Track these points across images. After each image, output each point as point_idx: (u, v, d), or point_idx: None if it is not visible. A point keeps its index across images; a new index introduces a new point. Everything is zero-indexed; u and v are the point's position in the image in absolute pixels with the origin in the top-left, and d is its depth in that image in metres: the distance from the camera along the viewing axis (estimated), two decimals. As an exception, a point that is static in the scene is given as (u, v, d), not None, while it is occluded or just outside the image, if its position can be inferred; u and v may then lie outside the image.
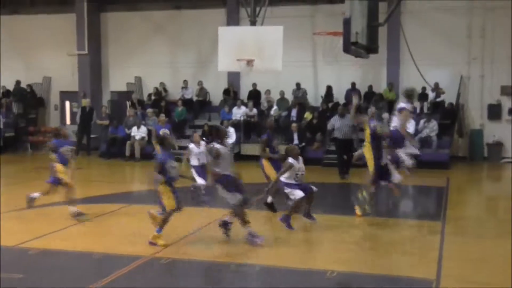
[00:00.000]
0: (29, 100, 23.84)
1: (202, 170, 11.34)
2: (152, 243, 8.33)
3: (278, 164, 10.35)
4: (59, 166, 10.26)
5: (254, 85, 21.41)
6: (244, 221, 8.54)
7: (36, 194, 10.55)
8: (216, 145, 8.48)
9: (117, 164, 19.08)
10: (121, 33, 23.57)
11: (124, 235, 9.39)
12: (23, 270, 7.44)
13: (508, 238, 8.88)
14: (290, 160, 9.31)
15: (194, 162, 11.63)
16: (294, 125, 18.65)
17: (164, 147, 8.63)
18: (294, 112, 20.02)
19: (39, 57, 24.21)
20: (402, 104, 10.12)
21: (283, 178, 9.41)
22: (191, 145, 11.67)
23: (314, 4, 21.42)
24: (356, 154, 17.64)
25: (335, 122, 15.84)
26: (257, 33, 14.89)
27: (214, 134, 8.76)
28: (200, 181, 11.39)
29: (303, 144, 18.34)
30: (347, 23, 7.83)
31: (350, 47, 8.03)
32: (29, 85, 23.91)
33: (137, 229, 9.80)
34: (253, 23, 15.99)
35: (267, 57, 14.46)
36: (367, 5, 8.79)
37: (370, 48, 9.12)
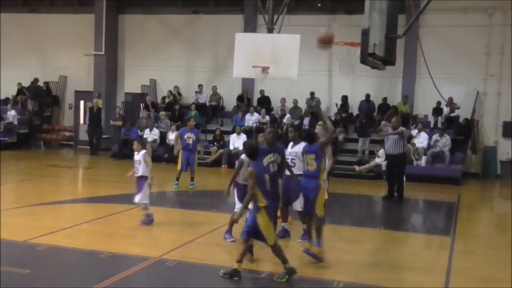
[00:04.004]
0: (44, 98, 24.03)
1: (136, 181, 10.13)
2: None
3: None
4: None
5: (262, 91, 21.42)
6: None
7: None
8: None
9: (128, 165, 18.96)
10: (138, 35, 23.71)
11: (133, 235, 9.42)
12: (31, 265, 7.47)
13: (518, 257, 8.79)
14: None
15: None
16: (307, 134, 18.59)
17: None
18: (306, 121, 20.00)
19: (56, 56, 24.40)
20: None
21: None
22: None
23: (332, 14, 21.40)
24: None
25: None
26: (274, 40, 14.85)
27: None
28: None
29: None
30: (365, 34, 7.77)
31: (367, 58, 7.96)
32: (45, 83, 24.11)
33: (146, 230, 9.83)
34: (270, 30, 15.96)
35: (282, 65, 14.41)
36: (386, 16, 8.74)
37: (387, 60, 9.04)
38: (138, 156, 9.96)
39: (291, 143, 9.31)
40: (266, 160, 7.63)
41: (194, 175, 14.09)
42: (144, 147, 10.37)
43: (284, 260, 7.31)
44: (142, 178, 9.92)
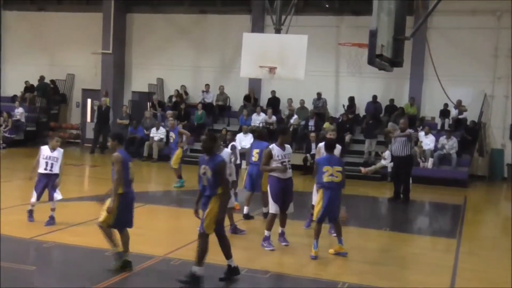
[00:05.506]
0: (52, 96, 24.11)
1: (45, 179, 9.58)
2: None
3: None
4: None
5: (274, 92, 21.42)
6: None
7: None
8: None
9: (134, 164, 18.93)
10: (146, 34, 23.75)
11: (138, 234, 9.39)
12: (37, 262, 7.50)
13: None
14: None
15: (41, 168, 9.53)
16: (312, 134, 18.58)
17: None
18: (312, 122, 19.97)
19: (64, 55, 24.47)
20: None
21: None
22: (44, 147, 9.63)
23: (340, 15, 21.38)
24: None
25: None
26: (281, 41, 14.86)
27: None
28: (34, 196, 9.64)
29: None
30: (373, 35, 7.74)
31: (374, 59, 7.94)
32: (53, 81, 24.19)
33: (151, 228, 9.83)
34: (277, 30, 15.97)
35: (290, 65, 14.42)
36: (394, 18, 8.72)
37: (395, 61, 9.01)
38: (55, 153, 9.49)
39: (275, 144, 8.76)
40: (201, 170, 7.01)
41: (179, 173, 14.49)
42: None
43: (114, 244, 7.34)
44: (56, 176, 9.58)
